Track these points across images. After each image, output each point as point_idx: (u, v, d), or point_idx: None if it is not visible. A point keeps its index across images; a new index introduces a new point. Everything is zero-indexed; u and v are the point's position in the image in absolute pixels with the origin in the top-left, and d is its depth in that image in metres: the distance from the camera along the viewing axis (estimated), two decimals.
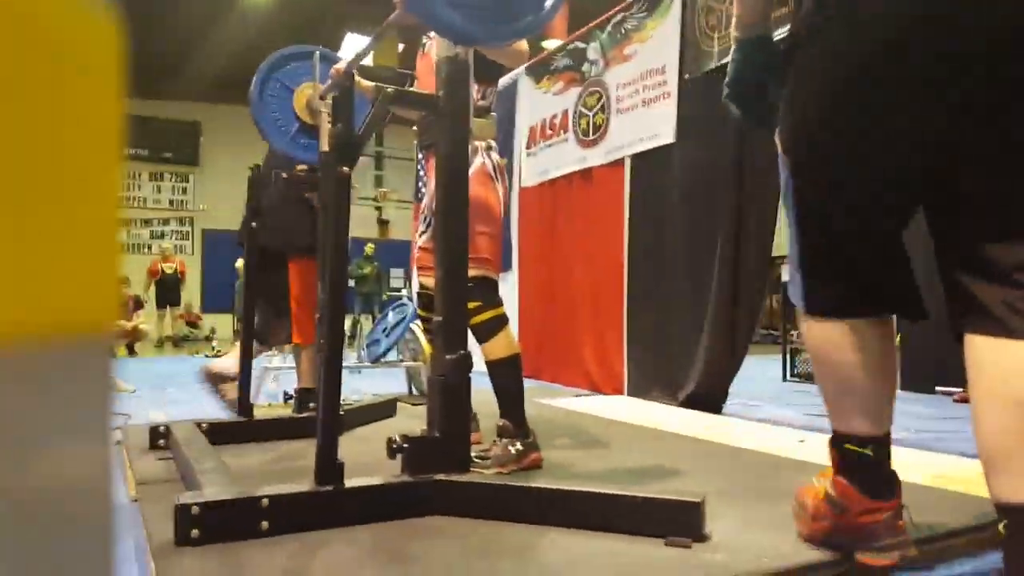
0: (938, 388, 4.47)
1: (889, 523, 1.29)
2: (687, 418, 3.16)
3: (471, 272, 1.97)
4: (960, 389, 4.24)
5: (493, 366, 2.10)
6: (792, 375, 5.61)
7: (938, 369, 4.31)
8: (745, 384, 3.94)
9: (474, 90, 2.17)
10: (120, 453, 2.43)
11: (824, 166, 1.26)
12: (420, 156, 2.57)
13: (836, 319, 1.29)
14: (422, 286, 2.36)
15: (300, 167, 2.83)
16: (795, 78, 1.27)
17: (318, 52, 2.75)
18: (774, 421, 3.24)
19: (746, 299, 3.47)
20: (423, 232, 2.34)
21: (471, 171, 2.11)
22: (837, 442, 1.34)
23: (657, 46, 3.90)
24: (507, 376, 2.10)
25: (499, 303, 2.12)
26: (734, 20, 1.44)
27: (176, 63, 10.85)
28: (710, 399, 3.50)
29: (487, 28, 1.68)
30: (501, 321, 2.10)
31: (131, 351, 8.17)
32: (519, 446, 2.05)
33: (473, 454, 1.88)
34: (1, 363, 0.23)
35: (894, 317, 1.34)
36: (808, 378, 5.37)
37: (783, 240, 1.65)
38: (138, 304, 9.00)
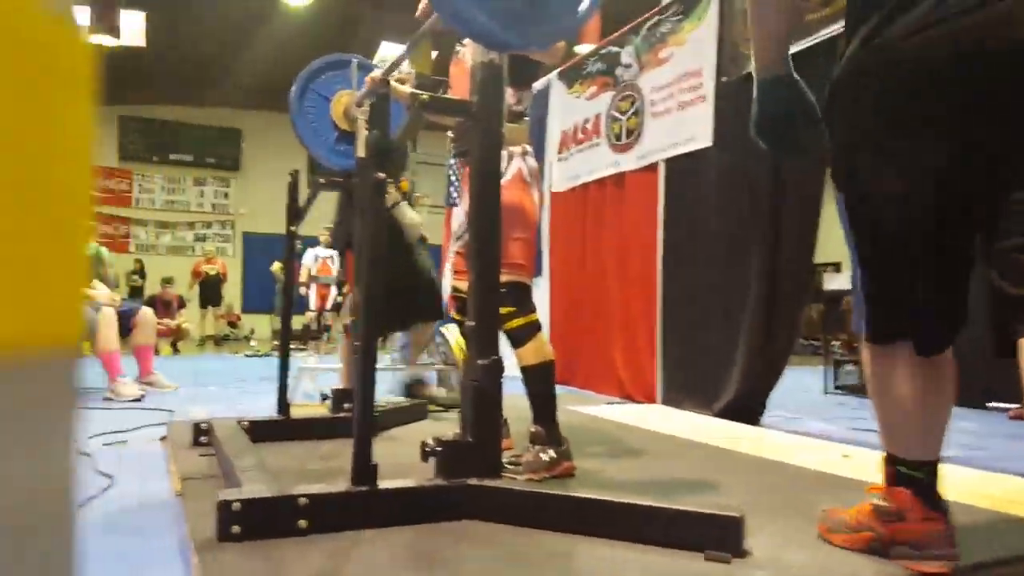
0: (990, 404, 4.35)
1: (945, 533, 1.31)
2: (723, 429, 3.11)
3: (505, 277, 1.99)
4: (1016, 405, 4.13)
5: (526, 372, 2.10)
6: (835, 387, 5.50)
7: (990, 383, 4.18)
8: (784, 396, 3.88)
9: (509, 95, 2.19)
10: (165, 448, 2.51)
11: (881, 202, 1.32)
12: (452, 162, 2.61)
13: (897, 344, 1.32)
14: (456, 289, 2.38)
15: None
16: (842, 117, 1.35)
17: (355, 61, 2.81)
18: (815, 435, 3.16)
19: (786, 308, 3.41)
20: (459, 236, 2.37)
21: (507, 176, 2.13)
22: (890, 461, 1.37)
23: (693, 49, 3.87)
24: (540, 382, 2.10)
25: (532, 309, 2.13)
26: (753, 62, 1.50)
27: (218, 72, 11.10)
28: (747, 410, 3.44)
29: (521, 33, 1.69)
30: (534, 327, 2.10)
31: (175, 349, 8.36)
32: (552, 453, 2.04)
33: (504, 460, 1.90)
34: None
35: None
36: (852, 391, 5.27)
37: (826, 247, 1.69)
38: (181, 304, 9.21)
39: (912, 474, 1.33)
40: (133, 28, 9.43)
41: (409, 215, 3.31)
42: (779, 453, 2.53)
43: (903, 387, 1.32)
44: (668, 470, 2.27)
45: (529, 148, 2.26)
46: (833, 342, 5.83)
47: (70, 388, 0.28)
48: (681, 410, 3.73)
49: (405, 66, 2.93)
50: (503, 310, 2.00)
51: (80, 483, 0.29)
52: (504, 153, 2.15)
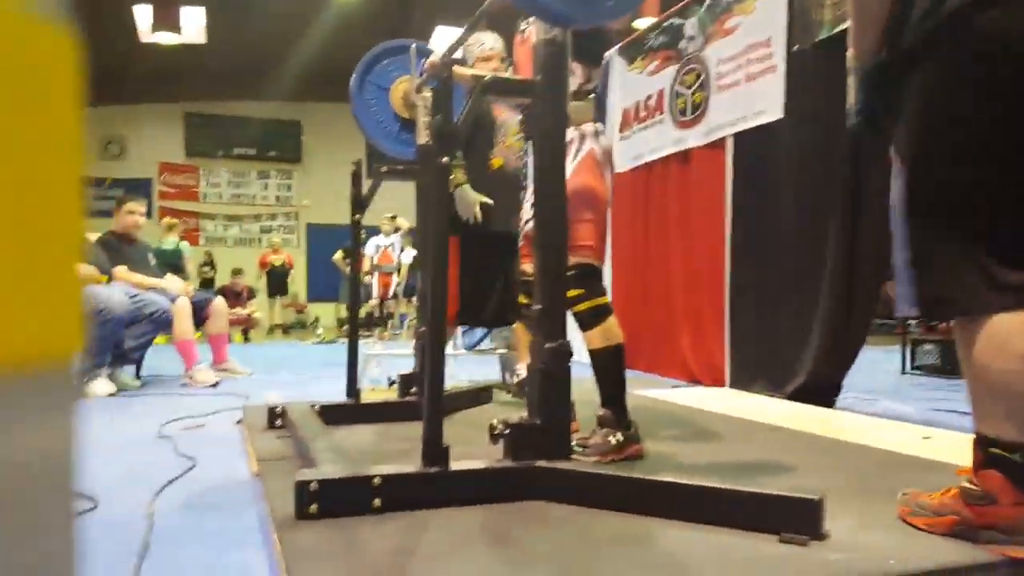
0: None
1: None
2: (796, 412, 3.02)
3: (574, 260, 1.98)
4: None
5: (595, 355, 2.08)
6: (912, 367, 5.30)
7: None
8: (860, 377, 3.73)
9: (579, 73, 2.16)
10: (241, 431, 2.59)
11: (955, 168, 1.31)
12: (526, 147, 2.58)
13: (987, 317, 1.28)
14: (523, 272, 2.37)
15: None
16: (921, 90, 1.32)
17: (414, 46, 2.79)
18: (893, 416, 3.05)
19: (862, 286, 3.27)
20: (529, 220, 2.35)
21: (579, 157, 2.11)
22: (982, 443, 1.31)
23: (762, 17, 3.71)
24: (608, 366, 2.08)
25: (602, 292, 2.09)
26: (853, 52, 1.46)
27: (276, 65, 11.31)
28: (821, 392, 3.32)
29: (583, 8, 1.67)
30: (604, 310, 2.07)
31: (246, 337, 8.62)
32: (619, 436, 2.03)
33: (572, 443, 1.90)
34: None
35: None
36: (930, 371, 5.07)
37: None
38: (251, 294, 9.49)
39: (1005, 456, 1.27)
40: (194, 25, 9.68)
41: (468, 197, 3.29)
42: (856, 435, 2.45)
43: (995, 362, 1.27)
44: (740, 453, 2.23)
45: (602, 128, 2.22)
46: (910, 321, 5.60)
47: (68, 400, 0.28)
48: (751, 393, 3.65)
49: (490, 41, 2.90)
50: (571, 293, 1.98)
51: (78, 494, 0.28)
52: (576, 133, 2.13)
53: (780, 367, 3.57)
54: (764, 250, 3.73)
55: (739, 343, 3.92)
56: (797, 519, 1.37)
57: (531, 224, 2.27)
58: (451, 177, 3.45)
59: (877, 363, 5.37)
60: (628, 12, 1.75)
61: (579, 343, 2.00)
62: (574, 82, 2.16)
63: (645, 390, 3.61)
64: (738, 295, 3.92)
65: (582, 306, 2.04)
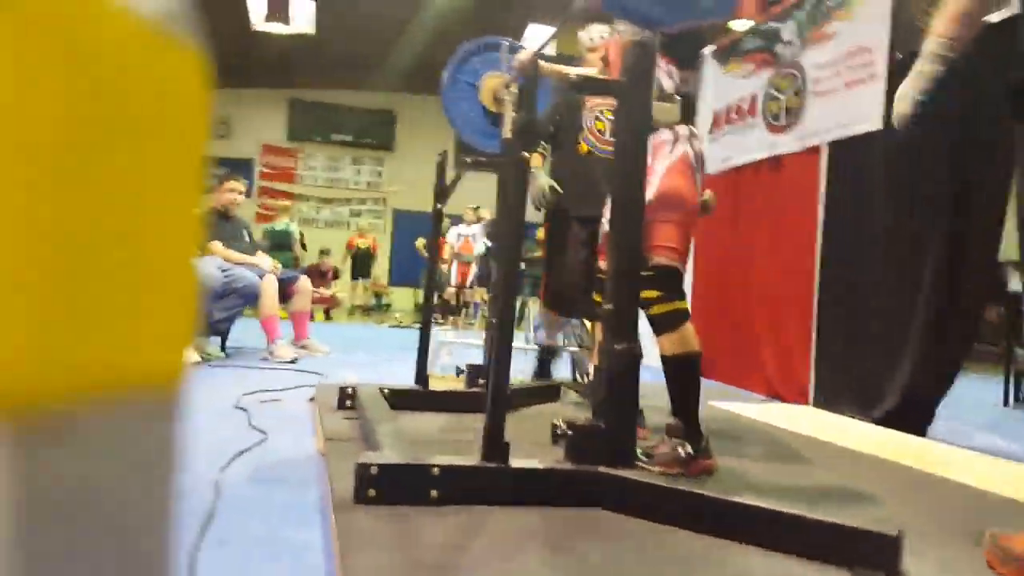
0: None
1: None
2: (883, 438, 2.85)
3: (655, 260, 1.93)
4: None
5: (668, 361, 2.00)
6: (1016, 400, 4.94)
7: None
8: (956, 406, 3.51)
9: (676, 76, 2.11)
10: (313, 408, 2.66)
11: None
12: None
13: None
14: (598, 270, 2.33)
15: None
16: None
17: (506, 43, 2.81)
18: (991, 452, 2.82)
19: (963, 308, 3.08)
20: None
21: (673, 159, 2.06)
22: None
23: (863, 24, 3.57)
24: (681, 374, 2.00)
25: (681, 296, 2.01)
26: (943, 39, 1.35)
27: (377, 57, 11.61)
28: (912, 419, 3.14)
29: (672, 11, 1.62)
30: (681, 315, 1.98)
31: (328, 316, 8.88)
32: (688, 449, 1.93)
33: (638, 450, 1.85)
34: (68, 420, 0.23)
35: None
36: None
37: (1011, 242, 1.55)
38: (336, 275, 9.76)
39: None
40: (304, 16, 10.04)
41: (539, 180, 3.28)
42: (947, 469, 2.29)
43: None
44: (818, 478, 2.11)
45: (696, 130, 2.15)
46: (1017, 349, 5.21)
47: (170, 424, 0.28)
48: (835, 414, 3.48)
49: (598, 33, 2.88)
50: (648, 294, 1.93)
51: (178, 516, 0.29)
52: (670, 134, 2.08)
53: (869, 388, 3.40)
54: (857, 263, 3.56)
55: (826, 360, 3.75)
56: (873, 554, 1.29)
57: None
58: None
59: (977, 392, 5.04)
60: (717, 17, 1.69)
61: (653, 347, 1.95)
62: (670, 84, 2.11)
63: (722, 402, 3.51)
64: (827, 309, 3.76)
65: (658, 308, 1.98)
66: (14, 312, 0.21)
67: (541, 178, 3.22)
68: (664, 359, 2.01)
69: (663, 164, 2.05)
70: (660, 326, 1.99)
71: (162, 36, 0.26)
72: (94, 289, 0.24)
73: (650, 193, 1.99)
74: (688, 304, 2.04)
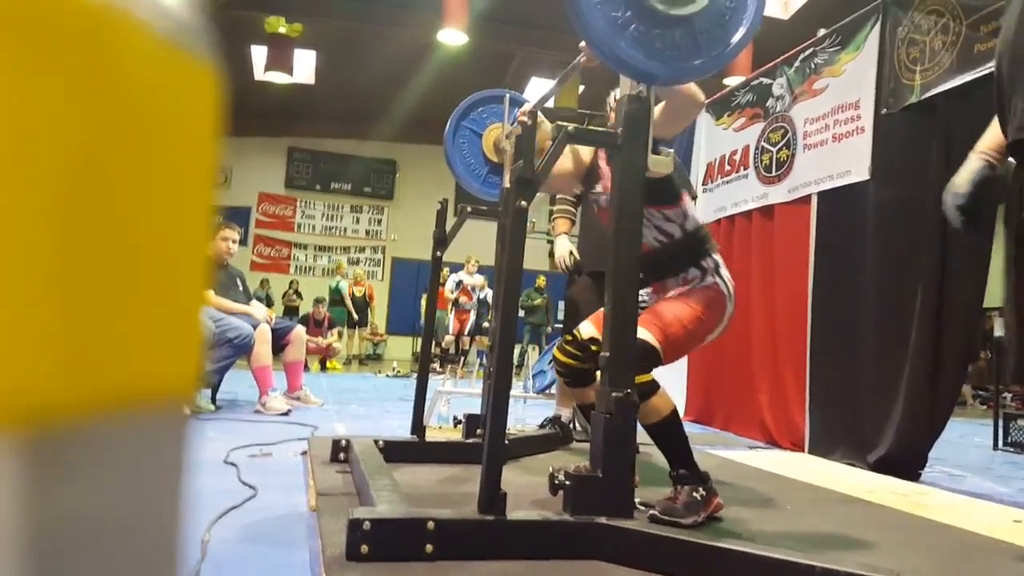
0: None
1: None
2: (878, 484, 2.86)
3: (642, 335, 1.93)
4: None
5: (650, 429, 2.00)
6: (1005, 444, 4.93)
7: None
8: (948, 450, 3.52)
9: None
10: (305, 463, 2.63)
11: None
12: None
13: None
14: (577, 331, 2.34)
15: None
16: None
17: (508, 95, 2.88)
18: (982, 495, 2.85)
19: (951, 354, 3.13)
20: None
21: (707, 288, 2.12)
22: None
23: (851, 80, 3.68)
24: (668, 432, 2.00)
25: (650, 369, 1.99)
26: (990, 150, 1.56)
27: (378, 108, 11.81)
28: (905, 464, 3.16)
29: (671, 67, 1.67)
30: (647, 390, 1.95)
31: (323, 366, 8.83)
32: (702, 491, 1.95)
33: (638, 500, 1.83)
34: (75, 435, 0.23)
35: None
36: None
37: (996, 289, 1.62)
38: (332, 323, 9.74)
39: None
40: (305, 66, 10.25)
41: (558, 247, 3.38)
42: (941, 514, 2.30)
43: None
44: (816, 524, 2.10)
45: (721, 261, 2.20)
46: (1005, 393, 5.22)
47: (181, 439, 0.28)
48: (831, 460, 3.47)
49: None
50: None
51: (185, 533, 0.28)
52: (697, 272, 2.14)
53: (863, 434, 3.40)
54: (848, 311, 3.60)
55: (820, 407, 3.75)
56: None
57: None
58: (552, 224, 3.55)
59: (967, 437, 5.06)
60: (712, 72, 1.74)
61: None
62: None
63: (718, 450, 3.48)
64: (820, 356, 3.77)
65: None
66: (25, 325, 0.21)
67: (561, 245, 3.27)
68: (646, 428, 2.01)
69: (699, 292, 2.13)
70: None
71: (178, 51, 0.27)
72: (104, 301, 0.24)
73: (676, 293, 2.10)
74: (652, 376, 2.00)
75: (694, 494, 1.93)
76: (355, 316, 10.55)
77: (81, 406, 0.23)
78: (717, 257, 2.19)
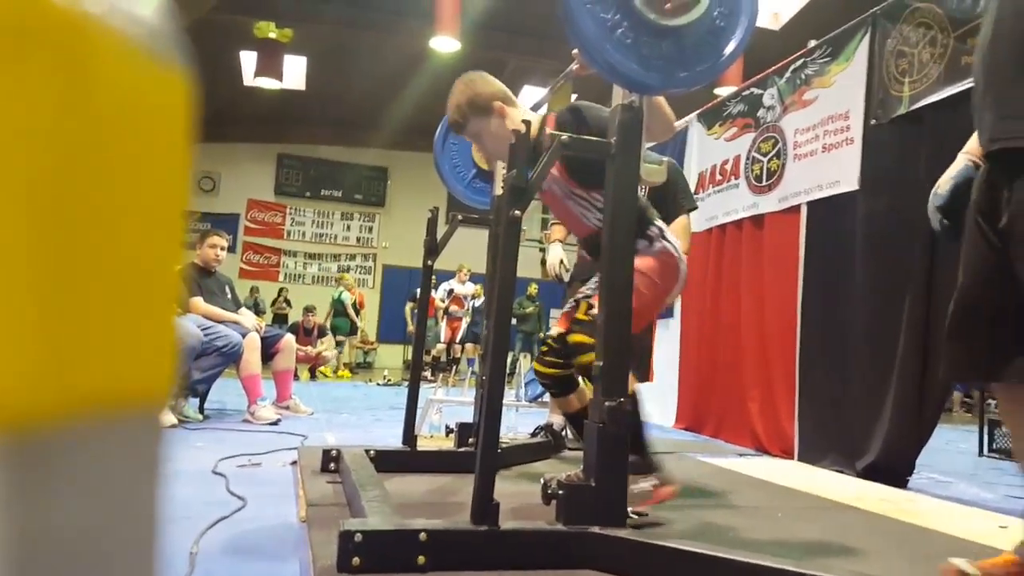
0: None
1: None
2: (866, 491, 2.87)
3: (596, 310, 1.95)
4: None
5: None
6: (990, 450, 4.97)
7: None
8: (935, 457, 3.55)
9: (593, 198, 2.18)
10: (295, 473, 2.61)
11: None
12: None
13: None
14: (548, 336, 2.35)
15: None
16: None
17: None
18: (969, 501, 2.89)
19: (937, 363, 3.15)
20: (583, 297, 2.35)
21: (656, 253, 2.11)
22: None
23: (841, 91, 3.72)
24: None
25: None
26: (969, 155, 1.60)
27: (369, 115, 11.79)
28: (894, 471, 3.18)
29: (664, 77, 1.67)
30: None
31: (312, 375, 8.79)
32: (653, 480, 1.99)
33: (631, 509, 1.83)
34: (51, 441, 0.22)
35: None
36: (1009, 454, 4.75)
37: None
38: (322, 332, 9.70)
39: None
40: (295, 72, 10.22)
41: (550, 255, 3.37)
42: (929, 520, 2.33)
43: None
44: (806, 531, 2.11)
45: (666, 229, 2.21)
46: (989, 400, 5.28)
47: (156, 440, 0.28)
48: (821, 467, 3.49)
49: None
50: (585, 339, 1.97)
51: (161, 536, 0.29)
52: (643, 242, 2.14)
53: (852, 442, 3.42)
54: (838, 318, 3.63)
55: (809, 414, 3.77)
56: None
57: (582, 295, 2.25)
58: (548, 231, 3.56)
59: (953, 443, 5.12)
60: (708, 82, 1.75)
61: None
62: (578, 210, 2.20)
63: (709, 457, 3.49)
64: (809, 364, 3.80)
65: (587, 357, 1.95)
66: (1, 331, 0.21)
67: (554, 253, 3.28)
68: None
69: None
70: (590, 374, 1.96)
71: (151, 59, 0.26)
72: (78, 306, 0.23)
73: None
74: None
75: (643, 483, 1.95)
76: (357, 325, 10.59)
77: (56, 412, 0.22)
78: (660, 224, 2.20)
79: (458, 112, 2.28)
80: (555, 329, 2.23)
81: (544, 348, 2.25)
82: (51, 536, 0.23)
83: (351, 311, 10.42)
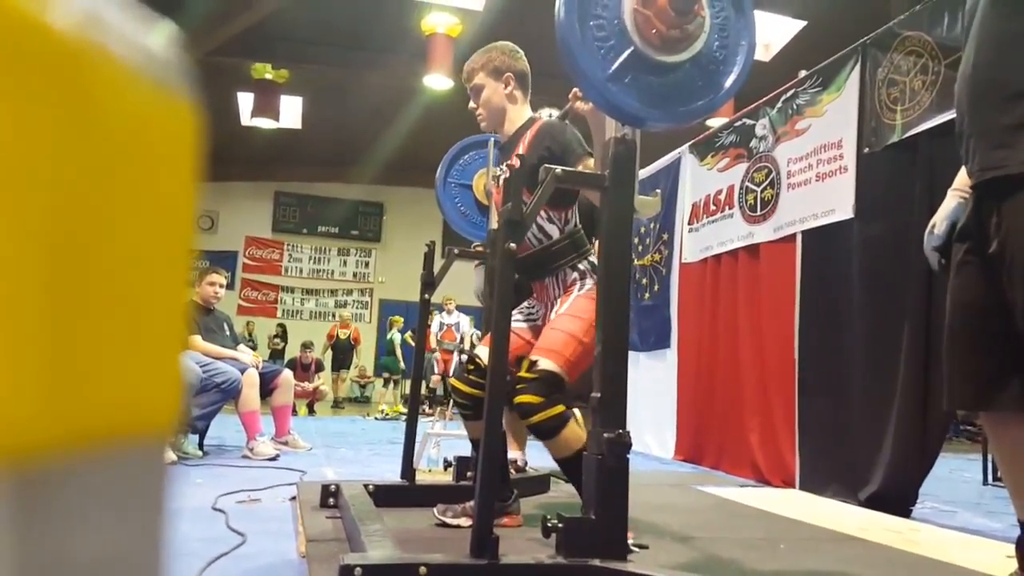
0: None
1: None
2: (870, 521, 2.84)
3: (543, 364, 1.98)
4: None
5: (563, 464, 2.02)
6: (995, 478, 4.93)
7: None
8: (938, 486, 3.52)
9: (556, 218, 2.22)
10: (294, 508, 2.59)
11: None
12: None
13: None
14: (477, 357, 2.35)
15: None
16: None
17: (492, 139, 2.93)
18: (974, 531, 2.85)
19: (939, 390, 3.13)
20: (519, 321, 2.37)
21: (589, 293, 2.13)
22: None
23: (833, 120, 3.76)
24: (574, 471, 1.93)
25: (561, 400, 2.02)
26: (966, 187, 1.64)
27: (364, 151, 11.90)
28: (897, 500, 3.14)
29: (663, 112, 1.71)
30: (559, 421, 1.99)
31: (311, 410, 8.74)
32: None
33: (631, 542, 1.81)
34: (57, 473, 0.22)
35: None
36: None
37: None
38: (319, 367, 9.67)
39: None
40: (291, 112, 10.35)
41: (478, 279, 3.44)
42: (934, 550, 2.29)
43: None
44: (810, 563, 2.09)
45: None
46: None
47: (160, 473, 0.28)
48: (823, 497, 3.45)
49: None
50: (530, 399, 1.97)
51: (168, 566, 0.28)
52: (575, 274, 2.20)
53: (853, 471, 3.39)
54: (836, 347, 3.62)
55: (810, 444, 3.74)
56: None
57: (516, 324, 2.26)
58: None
59: (956, 472, 5.07)
60: (704, 117, 1.78)
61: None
62: (553, 229, 2.24)
63: (709, 488, 3.46)
64: (808, 393, 3.78)
65: (538, 417, 1.98)
66: (7, 361, 0.21)
67: (480, 277, 3.31)
68: (559, 463, 2.04)
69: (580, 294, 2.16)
70: (542, 434, 2.01)
71: (157, 87, 0.27)
72: (85, 336, 0.23)
73: (564, 308, 2.12)
74: (563, 406, 2.02)
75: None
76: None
77: (62, 443, 0.22)
78: (594, 259, 2.23)
79: (475, 63, 2.40)
80: (483, 350, 2.21)
81: (471, 367, 2.24)
82: (57, 568, 0.23)
83: (398, 351, 10.48)
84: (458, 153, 3.08)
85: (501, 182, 2.35)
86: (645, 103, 1.65)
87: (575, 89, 1.99)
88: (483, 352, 2.21)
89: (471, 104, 2.49)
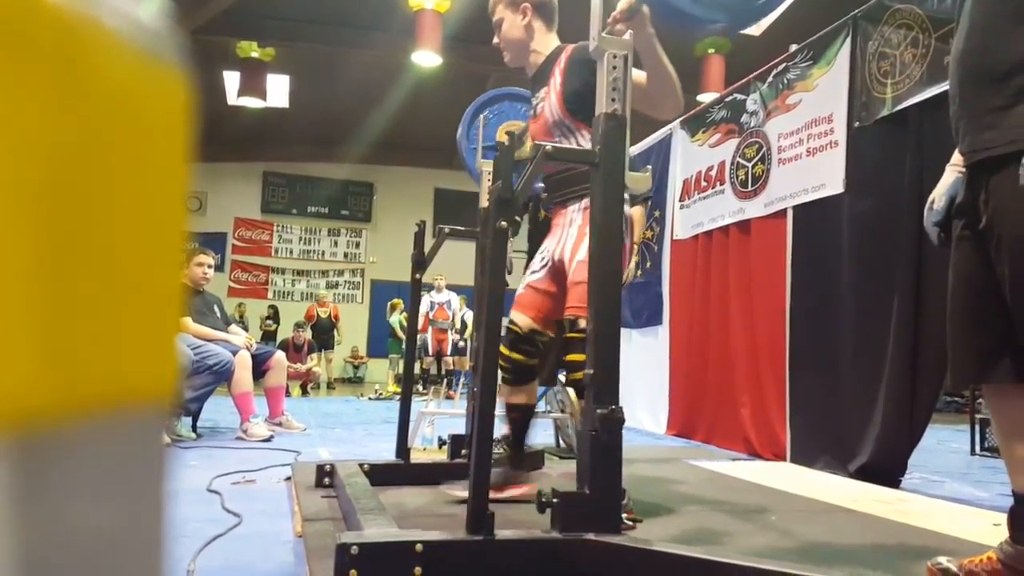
0: None
1: None
2: (860, 492, 2.88)
3: (584, 324, 1.96)
4: None
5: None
6: (982, 449, 5.00)
7: None
8: (927, 456, 3.57)
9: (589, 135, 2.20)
10: (290, 489, 2.60)
11: None
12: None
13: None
14: (512, 322, 2.36)
15: None
16: None
17: (482, 115, 2.93)
18: (962, 500, 2.90)
19: (927, 363, 3.17)
20: (536, 272, 2.37)
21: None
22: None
23: (823, 94, 3.75)
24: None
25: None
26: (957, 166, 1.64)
27: (353, 130, 11.81)
28: (886, 471, 3.20)
29: (709, 8, 1.71)
30: None
31: (304, 391, 8.75)
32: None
33: (625, 516, 1.84)
34: (57, 441, 0.22)
35: None
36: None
37: None
38: (312, 348, 9.66)
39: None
40: (278, 90, 10.23)
41: None
42: (923, 519, 2.34)
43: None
44: (802, 534, 2.12)
45: (626, 196, 2.23)
46: (980, 400, 5.31)
47: (158, 442, 0.28)
48: (813, 469, 3.50)
49: None
50: (578, 358, 1.98)
51: (169, 538, 0.28)
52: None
53: (843, 443, 3.44)
54: (827, 321, 3.64)
55: (800, 417, 3.78)
56: None
57: (538, 276, 2.32)
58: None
59: (944, 443, 5.14)
60: (767, 14, 1.80)
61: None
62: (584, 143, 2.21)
63: (702, 462, 3.50)
64: (799, 368, 3.81)
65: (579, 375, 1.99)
66: (5, 330, 0.21)
67: None
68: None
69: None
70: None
71: (150, 60, 0.27)
72: (82, 306, 0.24)
73: (581, 254, 2.10)
74: None
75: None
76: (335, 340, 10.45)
77: (61, 410, 0.22)
78: None
79: None
80: (524, 320, 2.24)
81: (513, 335, 2.25)
82: (59, 536, 0.23)
83: (400, 332, 10.25)
84: (479, 107, 3.11)
85: (538, 111, 2.33)
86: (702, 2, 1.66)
87: (614, 12, 1.97)
88: (519, 319, 2.26)
89: (495, 40, 2.47)
